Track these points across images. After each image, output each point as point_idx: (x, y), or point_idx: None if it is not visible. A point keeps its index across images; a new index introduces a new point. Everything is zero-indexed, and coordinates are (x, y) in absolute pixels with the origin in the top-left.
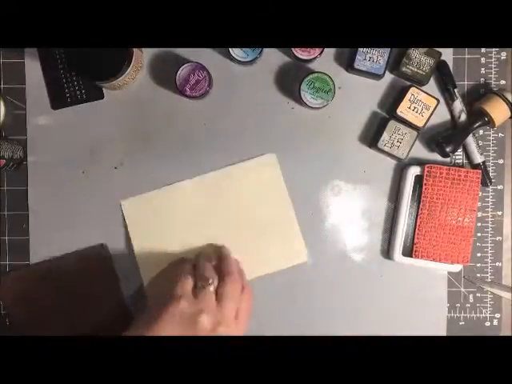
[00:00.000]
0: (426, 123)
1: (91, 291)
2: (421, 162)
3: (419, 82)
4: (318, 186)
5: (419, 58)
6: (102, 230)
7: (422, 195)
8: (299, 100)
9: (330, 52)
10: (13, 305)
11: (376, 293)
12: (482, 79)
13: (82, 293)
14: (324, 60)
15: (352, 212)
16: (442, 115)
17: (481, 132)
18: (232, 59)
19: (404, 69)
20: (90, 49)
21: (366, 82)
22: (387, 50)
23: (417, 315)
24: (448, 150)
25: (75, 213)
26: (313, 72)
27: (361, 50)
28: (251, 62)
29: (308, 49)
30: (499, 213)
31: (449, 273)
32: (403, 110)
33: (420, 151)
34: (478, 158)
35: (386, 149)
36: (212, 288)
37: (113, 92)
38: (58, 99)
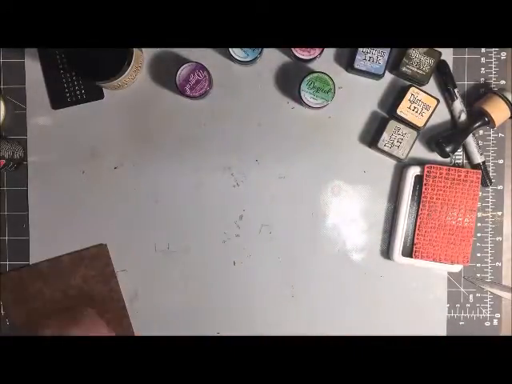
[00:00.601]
0: (426, 123)
1: (91, 291)
2: (421, 162)
3: (419, 81)
4: (318, 186)
5: (419, 58)
6: (101, 230)
7: (422, 195)
8: (299, 100)
9: (329, 52)
10: (13, 305)
11: (376, 293)
12: (482, 79)
13: (81, 293)
14: (324, 60)
15: (352, 212)
16: (442, 115)
17: (481, 132)
18: (232, 59)
19: (404, 69)
20: (90, 49)
21: (366, 81)
22: (387, 50)
23: (417, 315)
24: (448, 150)
25: (75, 213)
26: (313, 72)
27: (361, 49)
28: (251, 62)
29: (308, 49)
30: (499, 213)
31: (449, 273)
32: (403, 109)
33: (420, 151)
34: (478, 158)
35: (386, 149)
36: None
37: (113, 92)
38: (58, 99)
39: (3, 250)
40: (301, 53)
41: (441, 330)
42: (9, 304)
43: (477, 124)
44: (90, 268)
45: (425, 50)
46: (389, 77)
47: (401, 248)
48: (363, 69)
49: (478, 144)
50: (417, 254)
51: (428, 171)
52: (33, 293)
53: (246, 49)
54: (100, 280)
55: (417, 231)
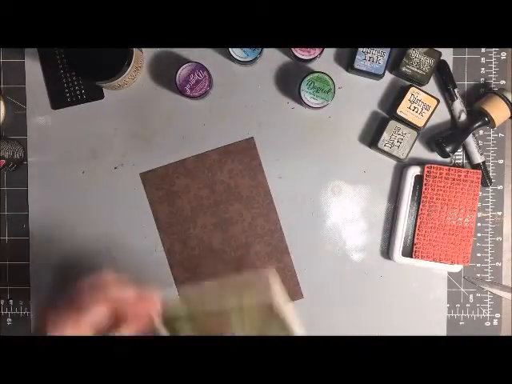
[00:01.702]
0: (426, 123)
1: (237, 186)
2: (421, 162)
3: (419, 81)
4: (318, 186)
5: (419, 58)
6: (101, 230)
7: (422, 195)
8: (299, 100)
9: (330, 52)
10: (157, 202)
11: (376, 293)
12: (482, 79)
13: (228, 188)
14: (324, 60)
15: (352, 212)
16: (442, 115)
17: (481, 132)
18: (232, 59)
19: (404, 69)
20: (90, 49)
21: (366, 81)
22: (387, 50)
23: (417, 315)
24: (448, 150)
25: (75, 213)
26: (313, 72)
27: (361, 49)
28: (251, 62)
29: (308, 49)
30: (499, 213)
31: (449, 273)
32: (403, 109)
33: (420, 151)
34: (478, 158)
35: (386, 149)
36: None
37: (113, 92)
38: (58, 99)
39: (3, 250)
40: (301, 53)
41: (441, 330)
42: (154, 201)
43: (477, 124)
44: (237, 162)
45: (425, 50)
46: (389, 77)
47: (401, 248)
48: (363, 69)
49: (478, 144)
50: (417, 253)
51: (428, 171)
52: (176, 189)
53: (245, 49)
54: (247, 174)
55: (417, 231)
